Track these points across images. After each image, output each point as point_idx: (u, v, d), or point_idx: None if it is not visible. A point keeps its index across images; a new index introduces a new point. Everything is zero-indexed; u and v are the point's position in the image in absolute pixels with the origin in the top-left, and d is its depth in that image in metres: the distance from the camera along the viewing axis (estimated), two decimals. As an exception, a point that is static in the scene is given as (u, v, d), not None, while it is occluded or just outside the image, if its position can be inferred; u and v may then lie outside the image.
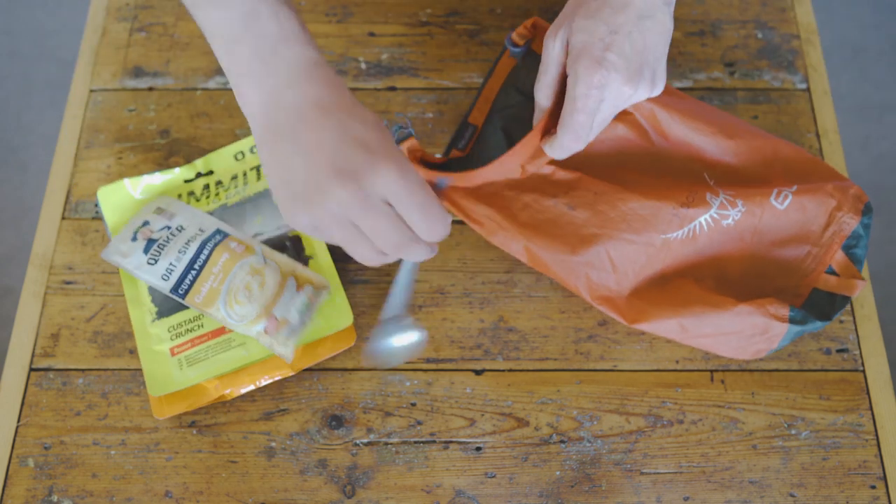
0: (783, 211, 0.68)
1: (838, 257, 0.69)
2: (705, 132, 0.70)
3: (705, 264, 0.69)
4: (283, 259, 0.71)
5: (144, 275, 0.70)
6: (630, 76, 0.61)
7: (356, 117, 0.56)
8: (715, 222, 0.68)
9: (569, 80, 0.62)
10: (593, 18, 0.61)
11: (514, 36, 0.72)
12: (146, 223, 0.72)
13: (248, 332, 0.68)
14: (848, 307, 0.73)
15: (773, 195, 0.68)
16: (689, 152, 0.70)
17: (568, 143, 0.63)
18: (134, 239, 0.71)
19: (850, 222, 0.69)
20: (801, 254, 0.69)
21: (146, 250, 0.70)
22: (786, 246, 0.69)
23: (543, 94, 0.66)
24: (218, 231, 0.71)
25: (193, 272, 0.69)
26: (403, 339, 0.66)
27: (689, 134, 0.70)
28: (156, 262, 0.70)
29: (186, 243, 0.70)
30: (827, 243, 0.69)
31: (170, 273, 0.69)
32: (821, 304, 0.68)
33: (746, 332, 0.67)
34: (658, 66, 0.63)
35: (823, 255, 0.69)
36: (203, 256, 0.69)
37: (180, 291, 0.69)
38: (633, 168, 0.70)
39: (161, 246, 0.70)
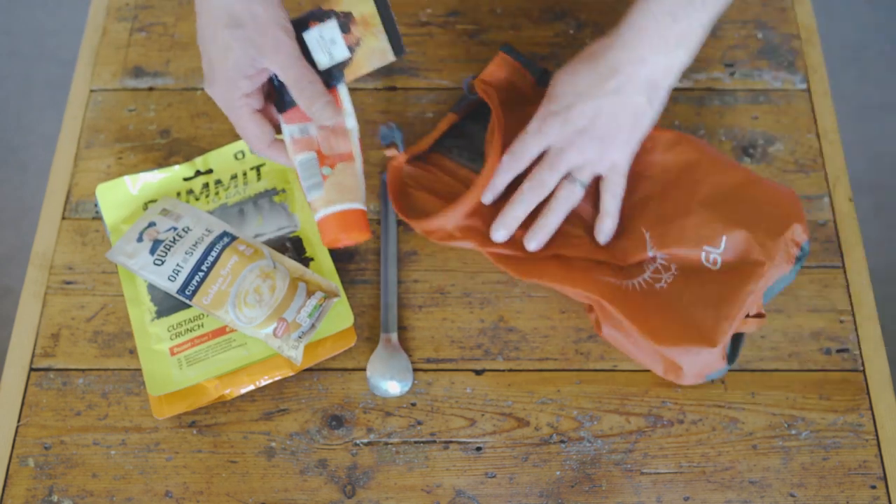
0: (716, 272, 0.67)
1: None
2: (659, 174, 0.73)
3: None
4: (293, 264, 0.71)
5: (151, 275, 0.70)
6: (577, 133, 0.70)
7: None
8: (648, 285, 0.68)
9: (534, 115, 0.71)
10: (573, 77, 0.71)
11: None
12: (152, 224, 0.72)
13: (256, 334, 0.68)
14: (848, 307, 0.73)
15: (703, 257, 0.68)
16: (636, 206, 0.72)
17: (507, 163, 0.72)
18: (140, 240, 0.71)
19: (779, 274, 0.67)
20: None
21: (152, 251, 0.70)
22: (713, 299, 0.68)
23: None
24: (225, 233, 0.71)
25: (201, 273, 0.69)
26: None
27: (640, 182, 0.73)
28: (162, 262, 0.70)
29: (193, 245, 0.70)
30: (751, 292, 0.67)
31: (177, 274, 0.69)
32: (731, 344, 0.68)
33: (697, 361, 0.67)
34: (612, 136, 0.70)
35: (747, 307, 0.67)
36: (211, 258, 0.69)
37: (187, 292, 0.69)
38: (578, 229, 0.73)
39: (167, 247, 0.70)
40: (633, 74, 0.69)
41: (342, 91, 0.66)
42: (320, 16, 0.65)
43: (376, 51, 0.65)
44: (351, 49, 0.65)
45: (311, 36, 0.64)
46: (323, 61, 0.65)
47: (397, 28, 0.64)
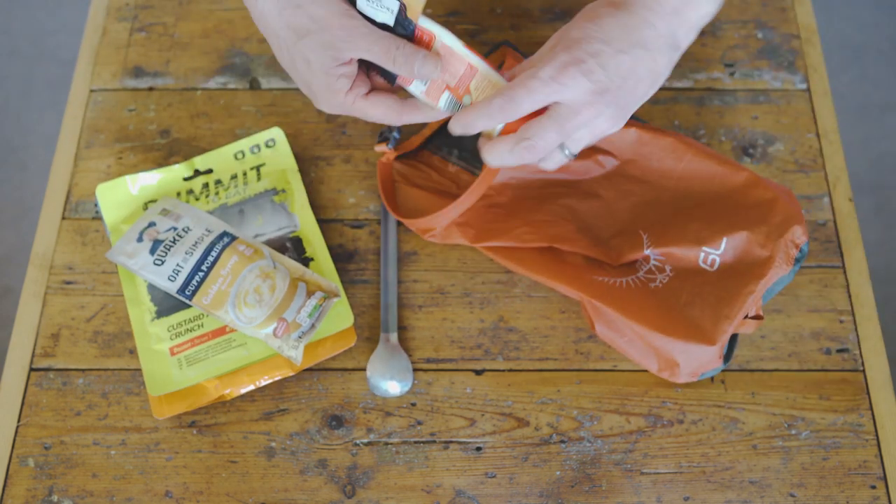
0: (714, 273, 0.68)
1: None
2: (658, 179, 0.72)
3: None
4: (293, 263, 0.71)
5: (150, 275, 0.70)
6: (598, 93, 0.58)
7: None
8: (642, 283, 0.68)
9: (541, 61, 0.59)
10: (595, 23, 0.60)
11: None
12: (152, 224, 0.72)
13: (256, 334, 0.68)
14: (848, 307, 0.73)
15: (701, 258, 0.68)
16: (634, 205, 0.72)
17: (497, 108, 0.59)
18: (140, 240, 0.71)
19: (779, 275, 0.67)
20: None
21: (152, 251, 0.70)
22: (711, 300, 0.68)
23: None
24: (225, 233, 0.71)
25: (201, 273, 0.69)
26: None
27: (639, 186, 0.72)
28: (162, 262, 0.70)
29: (193, 245, 0.70)
30: (751, 292, 0.67)
31: (177, 274, 0.69)
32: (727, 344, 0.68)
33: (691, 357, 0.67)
34: (629, 103, 0.61)
35: (747, 307, 0.67)
36: (211, 258, 0.69)
37: (187, 292, 0.69)
38: (572, 223, 0.73)
39: (167, 247, 0.70)
40: (664, 28, 0.60)
41: (424, 24, 0.62)
42: None
43: None
44: None
45: (360, 5, 0.61)
46: (387, 18, 0.61)
47: None
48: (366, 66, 0.63)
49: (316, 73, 0.60)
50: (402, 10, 0.60)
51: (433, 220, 0.72)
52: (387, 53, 0.59)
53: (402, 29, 0.61)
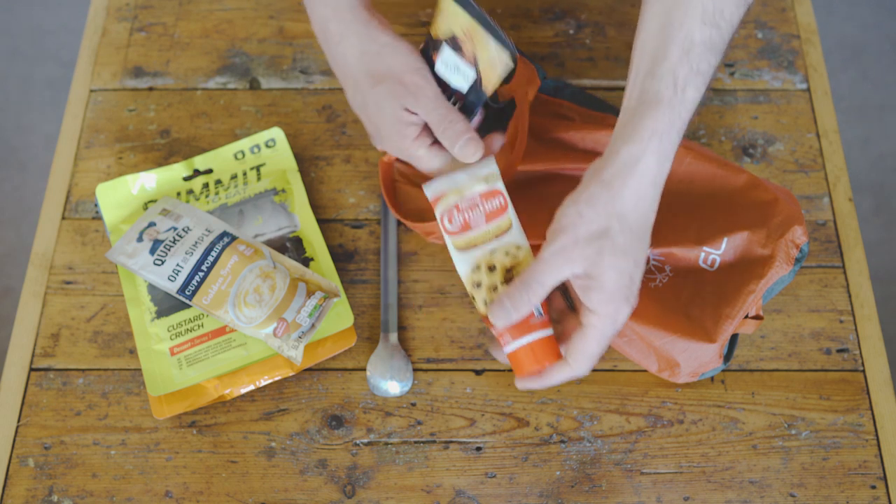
0: (714, 273, 0.68)
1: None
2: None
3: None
4: (293, 263, 0.71)
5: (150, 275, 0.70)
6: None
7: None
8: (642, 283, 0.68)
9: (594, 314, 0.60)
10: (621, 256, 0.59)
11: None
12: (152, 224, 0.72)
13: (256, 334, 0.68)
14: (848, 307, 0.73)
15: (701, 258, 0.68)
16: None
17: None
18: (140, 240, 0.71)
19: (779, 275, 0.67)
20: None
21: (152, 251, 0.70)
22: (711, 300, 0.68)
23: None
24: (225, 233, 0.71)
25: (201, 273, 0.69)
26: None
27: None
28: (162, 262, 0.70)
29: (194, 245, 0.70)
30: (752, 291, 0.67)
31: (177, 274, 0.69)
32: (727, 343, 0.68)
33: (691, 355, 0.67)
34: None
35: (747, 306, 0.67)
36: (211, 258, 0.69)
37: (187, 292, 0.69)
38: None
39: (167, 247, 0.70)
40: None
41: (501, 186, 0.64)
42: (434, 46, 0.66)
43: (494, 60, 0.64)
44: (473, 65, 0.65)
45: (438, 68, 0.66)
46: (462, 86, 0.66)
47: (501, 31, 0.63)
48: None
49: (386, 118, 0.66)
50: (478, 81, 0.65)
51: (435, 225, 0.72)
52: (440, 123, 0.65)
53: (475, 97, 0.66)
